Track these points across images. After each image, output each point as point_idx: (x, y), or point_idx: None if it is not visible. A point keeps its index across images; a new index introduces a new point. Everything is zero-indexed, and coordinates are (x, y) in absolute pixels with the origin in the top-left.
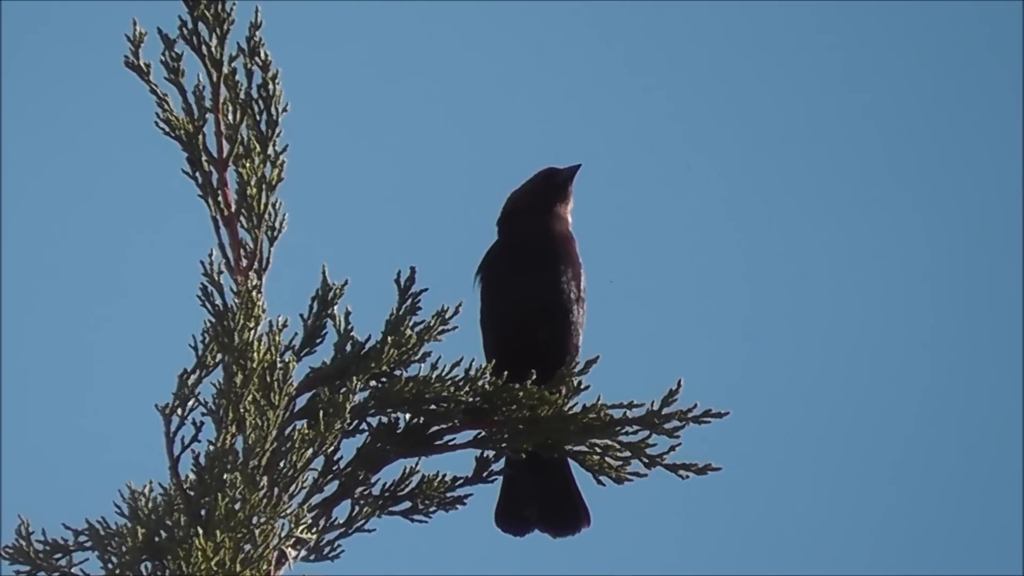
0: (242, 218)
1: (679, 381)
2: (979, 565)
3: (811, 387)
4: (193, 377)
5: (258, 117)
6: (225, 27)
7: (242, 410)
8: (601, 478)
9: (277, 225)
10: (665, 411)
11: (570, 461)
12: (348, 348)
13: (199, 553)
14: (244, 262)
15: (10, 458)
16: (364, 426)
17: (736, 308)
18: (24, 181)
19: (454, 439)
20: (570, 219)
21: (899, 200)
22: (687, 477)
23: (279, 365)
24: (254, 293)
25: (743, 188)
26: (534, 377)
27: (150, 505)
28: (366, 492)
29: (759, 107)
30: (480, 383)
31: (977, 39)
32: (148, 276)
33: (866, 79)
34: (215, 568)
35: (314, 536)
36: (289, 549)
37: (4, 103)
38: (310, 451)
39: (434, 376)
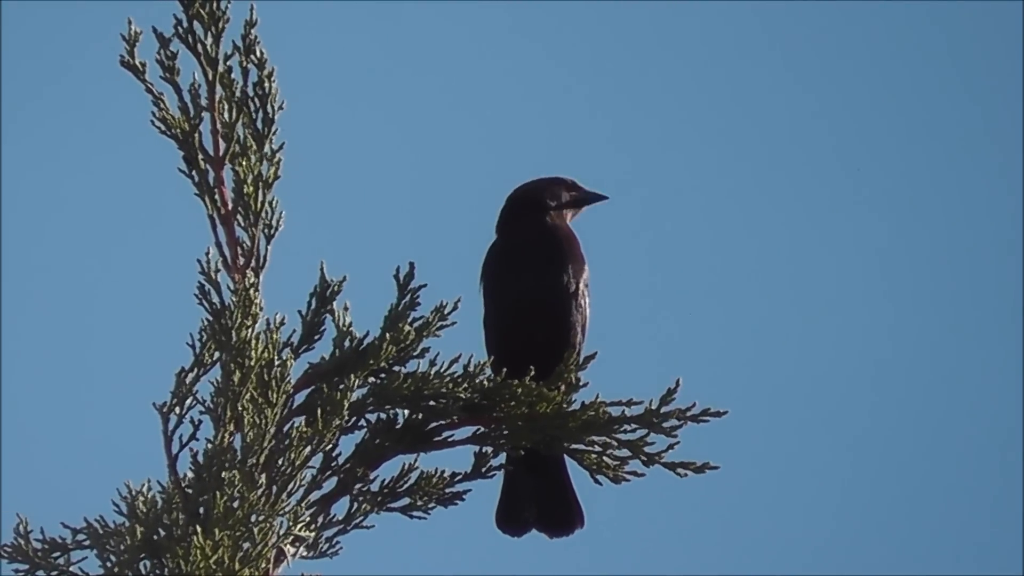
0: (239, 216)
1: (677, 380)
2: (979, 565)
3: (811, 386)
4: (191, 375)
5: (254, 115)
6: (220, 25)
7: (240, 408)
8: (598, 478)
9: (274, 223)
10: (664, 410)
11: (567, 462)
12: (346, 344)
13: (198, 551)
14: (241, 260)
15: (9, 457)
16: (363, 423)
17: (739, 307)
18: (20, 180)
19: (453, 435)
20: (569, 219)
21: (899, 199)
22: (685, 475)
23: (277, 363)
24: (251, 291)
25: (746, 187)
26: (533, 374)
27: (148, 504)
28: (364, 489)
29: (757, 106)
30: (479, 379)
31: (977, 39)
32: (146, 275)
33: (866, 80)
34: (214, 566)
35: (312, 533)
36: (287, 547)
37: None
38: (308, 449)
39: (433, 372)
